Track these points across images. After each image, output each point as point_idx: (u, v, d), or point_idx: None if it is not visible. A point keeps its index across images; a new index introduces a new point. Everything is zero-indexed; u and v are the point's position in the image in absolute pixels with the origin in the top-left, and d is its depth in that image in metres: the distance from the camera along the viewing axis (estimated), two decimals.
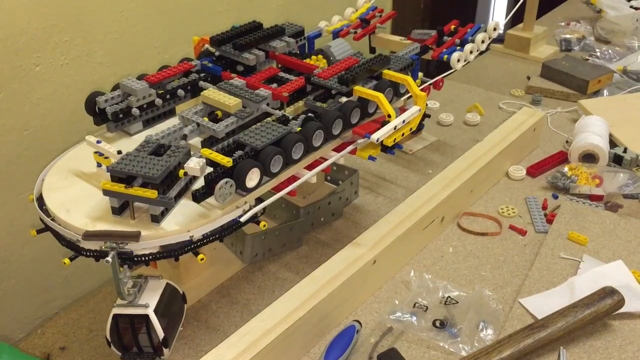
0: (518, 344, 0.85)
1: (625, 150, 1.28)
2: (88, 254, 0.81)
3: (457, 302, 0.97)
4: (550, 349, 0.88)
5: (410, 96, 1.07)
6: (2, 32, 1.21)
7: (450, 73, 1.21)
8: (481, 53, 1.29)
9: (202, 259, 0.84)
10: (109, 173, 0.81)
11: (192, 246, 0.82)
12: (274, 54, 1.11)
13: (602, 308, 0.89)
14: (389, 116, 0.97)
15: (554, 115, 1.53)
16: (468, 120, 1.50)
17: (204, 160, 0.84)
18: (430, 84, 1.17)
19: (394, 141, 0.99)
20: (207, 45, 1.15)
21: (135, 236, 0.78)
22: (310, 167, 0.96)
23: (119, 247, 0.78)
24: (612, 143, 1.33)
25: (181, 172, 0.82)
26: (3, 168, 1.27)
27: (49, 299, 1.40)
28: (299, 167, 0.94)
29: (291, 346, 0.87)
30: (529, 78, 1.68)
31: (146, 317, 0.79)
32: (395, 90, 1.05)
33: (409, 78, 1.02)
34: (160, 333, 0.80)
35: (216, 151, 0.85)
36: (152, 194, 0.79)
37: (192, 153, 0.86)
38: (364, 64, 1.02)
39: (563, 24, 1.98)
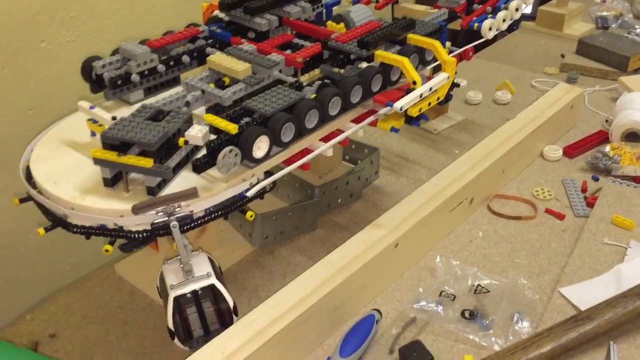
0: (560, 338, 0.75)
1: None
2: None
3: (489, 291, 0.87)
4: (596, 344, 0.78)
5: (438, 65, 0.98)
6: (5, 4, 1.13)
7: (482, 42, 1.10)
8: (511, 29, 1.18)
9: (250, 216, 0.79)
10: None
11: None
12: (288, 20, 1.01)
13: None
14: (414, 83, 0.87)
15: (591, 93, 1.41)
16: (498, 99, 1.39)
17: (207, 128, 0.75)
18: (459, 53, 1.07)
19: (420, 111, 0.89)
20: (216, 11, 1.06)
21: (193, 193, 0.70)
22: (326, 140, 0.87)
23: (176, 212, 0.70)
24: None
25: (181, 140, 0.74)
26: (6, 149, 1.20)
27: (39, 282, 1.32)
28: (313, 139, 0.85)
29: (302, 337, 0.78)
30: (563, 56, 1.56)
31: (212, 286, 0.73)
32: (421, 57, 0.95)
33: (436, 42, 0.92)
34: (230, 300, 0.73)
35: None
36: (147, 162, 0.70)
37: (195, 122, 0.77)
38: (386, 27, 0.92)
39: (599, 1, 1.86)
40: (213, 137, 0.74)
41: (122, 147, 0.72)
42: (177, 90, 0.90)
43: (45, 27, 1.22)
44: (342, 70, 0.89)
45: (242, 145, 0.74)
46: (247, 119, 0.77)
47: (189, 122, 0.76)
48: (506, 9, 1.13)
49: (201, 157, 0.74)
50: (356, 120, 0.91)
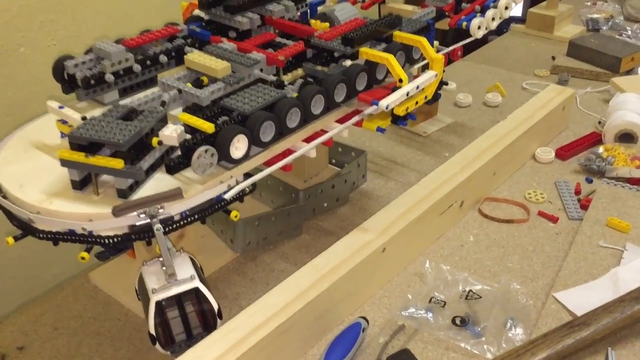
0: (555, 345, 0.72)
1: None
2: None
3: (480, 297, 0.83)
4: (593, 351, 0.74)
5: (425, 65, 0.95)
6: None
7: (471, 42, 1.07)
8: (500, 32, 1.15)
9: (235, 216, 0.75)
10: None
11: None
12: (271, 19, 0.98)
13: None
14: (401, 81, 0.84)
15: (583, 95, 1.38)
16: (488, 101, 1.36)
17: (182, 127, 0.71)
18: (447, 53, 1.04)
19: (407, 110, 0.85)
20: (197, 11, 1.02)
21: (177, 194, 0.66)
22: (309, 140, 0.83)
23: (159, 214, 0.67)
24: None
25: (155, 140, 0.70)
26: None
27: (8, 293, 1.27)
28: (296, 139, 0.82)
29: (285, 346, 0.74)
30: (554, 58, 1.54)
31: (196, 290, 0.69)
32: (407, 55, 0.92)
33: (423, 39, 0.88)
34: (214, 303, 0.70)
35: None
36: (117, 163, 0.66)
37: (171, 123, 0.74)
38: (371, 24, 0.89)
39: (589, 3, 1.84)
40: (188, 137, 0.71)
41: (92, 147, 0.68)
42: (154, 91, 0.86)
43: (25, 31, 1.18)
44: (326, 69, 0.86)
45: (218, 145, 0.71)
46: (224, 118, 0.74)
47: (163, 122, 0.73)
48: (495, 7, 1.10)
49: (175, 158, 0.70)
50: (341, 121, 0.87)
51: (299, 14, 1.04)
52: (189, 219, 0.71)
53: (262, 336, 0.70)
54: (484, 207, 1.03)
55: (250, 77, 0.84)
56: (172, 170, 0.70)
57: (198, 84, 0.85)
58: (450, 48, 1.04)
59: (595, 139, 1.19)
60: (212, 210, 0.74)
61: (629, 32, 1.62)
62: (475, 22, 1.06)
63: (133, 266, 0.86)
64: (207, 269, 0.91)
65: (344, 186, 1.05)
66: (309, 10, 1.09)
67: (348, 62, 0.86)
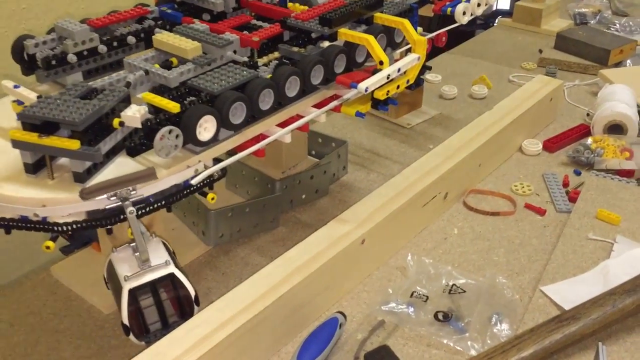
0: (542, 340, 0.67)
1: None
2: None
3: (464, 291, 0.79)
4: (582, 347, 0.70)
5: (408, 49, 0.90)
6: None
7: (456, 27, 1.03)
8: (487, 25, 1.12)
9: (212, 198, 0.71)
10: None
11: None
12: (247, 1, 0.94)
13: None
14: (381, 63, 0.79)
15: (571, 88, 1.35)
16: (474, 93, 1.32)
17: (146, 108, 0.67)
18: (431, 38, 1.00)
19: (387, 94, 0.81)
20: None
21: (151, 174, 0.62)
22: (284, 126, 0.79)
23: (132, 196, 0.63)
24: None
25: (116, 120, 0.65)
26: None
27: None
28: (270, 124, 0.77)
29: (255, 344, 0.69)
30: (541, 51, 1.50)
31: (171, 276, 0.66)
32: (389, 39, 0.88)
33: (405, 21, 0.84)
34: (191, 289, 0.67)
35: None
36: (73, 144, 0.61)
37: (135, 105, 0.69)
38: (350, 4, 0.85)
39: None
40: (151, 116, 0.66)
41: (47, 128, 0.63)
42: (120, 73, 0.81)
43: None
44: (303, 50, 0.82)
45: (184, 126, 0.66)
46: (192, 99, 0.69)
47: (125, 102, 0.68)
48: None
49: (136, 139, 0.65)
50: (318, 106, 0.83)
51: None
52: (154, 206, 0.66)
53: (229, 332, 0.65)
54: (469, 199, 0.99)
55: (222, 58, 0.79)
56: (133, 152, 0.65)
57: (167, 65, 0.80)
58: (435, 33, 1.00)
59: (583, 131, 1.15)
60: (179, 196, 0.69)
61: (617, 26, 1.59)
62: (460, 7, 1.02)
63: (98, 260, 0.81)
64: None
65: (323, 177, 1.00)
66: None
67: (326, 44, 0.82)
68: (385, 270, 0.85)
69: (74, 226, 0.63)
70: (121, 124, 0.65)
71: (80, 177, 0.63)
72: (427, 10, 1.09)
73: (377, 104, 0.82)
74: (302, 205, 0.99)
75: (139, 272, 0.65)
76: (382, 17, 0.86)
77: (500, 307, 0.76)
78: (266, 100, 0.73)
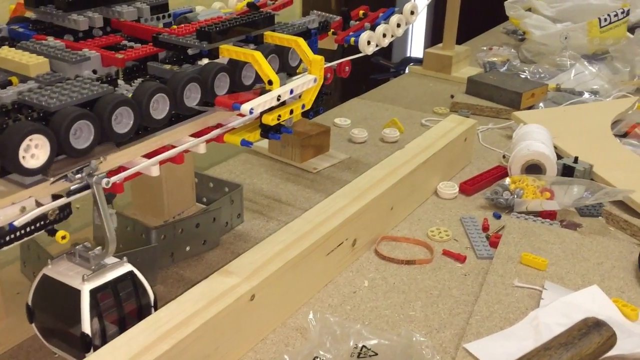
0: None
1: (576, 160, 1.04)
2: None
3: (376, 354, 0.66)
4: None
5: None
6: None
7: (360, 57, 0.94)
8: (397, 74, 1.03)
9: (63, 237, 0.58)
10: None
11: None
12: (119, 22, 0.80)
13: (587, 348, 0.60)
14: (270, 83, 0.67)
15: (485, 131, 1.29)
16: (385, 137, 1.23)
17: None
18: (332, 67, 0.90)
19: (279, 119, 0.69)
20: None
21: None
22: (151, 156, 0.64)
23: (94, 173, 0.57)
24: (558, 155, 1.09)
25: None
26: None
27: None
28: (133, 153, 0.63)
29: None
30: (452, 96, 1.45)
31: (131, 274, 0.62)
32: (282, 61, 0.76)
33: (299, 39, 0.73)
34: (150, 291, 0.63)
35: None
36: None
37: None
38: (235, 18, 0.73)
39: (485, 48, 1.80)
40: None
41: None
42: None
43: None
44: (176, 68, 0.69)
45: (2, 149, 0.50)
46: (19, 116, 0.54)
47: None
48: (387, 23, 0.98)
49: None
50: (198, 135, 0.69)
51: (160, 25, 0.86)
52: None
53: None
54: (381, 247, 0.87)
55: (77, 79, 0.65)
56: None
57: (5, 84, 0.65)
58: (336, 62, 0.90)
59: (500, 173, 1.07)
60: (2, 243, 0.53)
61: (527, 73, 1.57)
62: (364, 36, 0.92)
63: None
64: (16, 335, 0.68)
65: (212, 226, 0.85)
66: (173, 21, 0.92)
67: (205, 61, 0.69)
68: (281, 333, 0.70)
69: None
70: None
71: None
72: (330, 43, 1.00)
73: (267, 131, 0.70)
74: (187, 259, 0.83)
75: (91, 272, 0.59)
76: (273, 36, 0.75)
77: None
78: (124, 121, 0.59)
